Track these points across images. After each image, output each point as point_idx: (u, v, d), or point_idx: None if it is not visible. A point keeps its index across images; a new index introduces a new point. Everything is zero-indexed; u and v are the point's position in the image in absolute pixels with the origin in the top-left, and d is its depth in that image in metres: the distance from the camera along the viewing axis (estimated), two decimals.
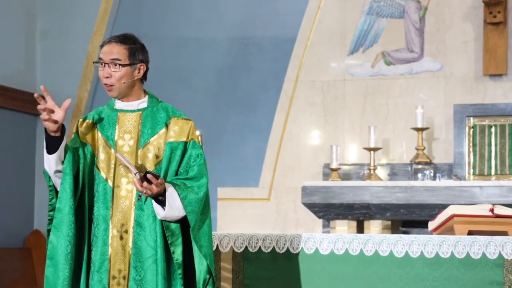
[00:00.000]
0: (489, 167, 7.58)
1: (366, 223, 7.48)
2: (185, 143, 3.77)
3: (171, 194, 3.61)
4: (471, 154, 7.66)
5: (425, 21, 8.10)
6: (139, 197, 3.68)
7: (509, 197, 7.08)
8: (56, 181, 3.70)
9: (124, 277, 3.66)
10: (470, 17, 7.95)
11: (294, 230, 7.93)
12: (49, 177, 3.71)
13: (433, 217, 4.66)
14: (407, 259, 4.26)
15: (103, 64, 3.74)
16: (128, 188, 3.70)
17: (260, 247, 4.48)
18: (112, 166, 3.72)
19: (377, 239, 4.30)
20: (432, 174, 7.63)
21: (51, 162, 3.67)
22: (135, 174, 3.55)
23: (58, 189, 3.69)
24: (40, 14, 9.09)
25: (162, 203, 3.62)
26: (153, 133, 3.76)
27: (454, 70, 7.97)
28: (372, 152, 7.72)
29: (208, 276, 3.67)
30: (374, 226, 7.46)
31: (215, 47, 8.79)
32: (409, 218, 7.39)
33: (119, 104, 3.82)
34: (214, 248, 4.55)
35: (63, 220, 3.64)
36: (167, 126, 3.80)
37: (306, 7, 8.35)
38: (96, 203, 3.71)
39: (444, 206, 4.69)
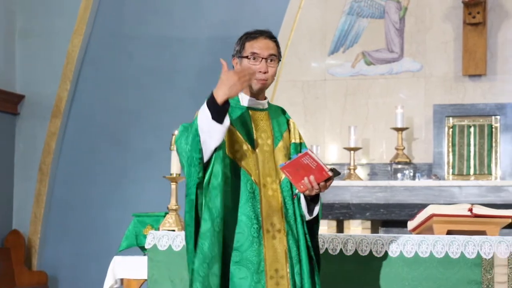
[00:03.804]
0: (468, 167, 7.62)
1: (346, 223, 7.50)
2: (300, 144, 3.78)
3: (321, 196, 3.65)
4: (450, 154, 7.69)
5: (405, 21, 8.13)
6: (294, 195, 3.64)
7: (487, 197, 7.12)
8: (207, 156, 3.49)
9: (282, 277, 3.58)
10: (450, 17, 7.99)
11: None
12: (200, 157, 3.48)
13: (412, 216, 4.68)
14: (386, 258, 4.27)
15: (259, 59, 3.66)
16: (273, 187, 3.64)
17: None
18: (255, 164, 3.63)
19: (357, 238, 4.32)
20: (411, 174, 7.66)
21: (220, 134, 3.48)
22: (327, 171, 3.50)
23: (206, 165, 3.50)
24: (19, 13, 9.04)
25: (309, 203, 3.62)
26: (281, 133, 3.74)
27: (434, 71, 8.01)
28: (352, 152, 7.74)
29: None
30: (354, 226, 7.48)
31: (197, 47, 8.77)
32: (388, 218, 7.41)
33: (250, 102, 3.73)
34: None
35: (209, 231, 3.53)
36: (288, 126, 3.79)
37: (286, 7, 8.36)
38: (243, 203, 3.59)
39: (423, 206, 4.71)
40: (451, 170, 7.66)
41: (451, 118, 7.73)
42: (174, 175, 4.89)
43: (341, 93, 8.16)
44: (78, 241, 8.78)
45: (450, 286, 4.17)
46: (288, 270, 3.59)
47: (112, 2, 8.98)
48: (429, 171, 7.74)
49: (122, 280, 5.27)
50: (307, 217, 3.65)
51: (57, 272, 8.88)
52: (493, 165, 7.57)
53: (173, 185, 4.90)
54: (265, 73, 3.67)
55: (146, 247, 4.65)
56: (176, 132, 4.83)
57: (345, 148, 7.84)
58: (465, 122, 7.70)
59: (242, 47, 3.75)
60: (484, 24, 7.78)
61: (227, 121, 3.50)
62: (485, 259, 4.18)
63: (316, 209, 3.64)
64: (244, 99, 3.73)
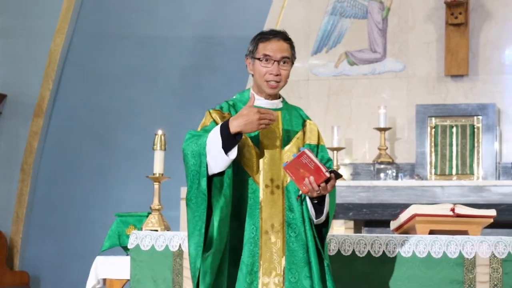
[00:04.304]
0: (450, 167, 7.65)
1: None
2: (317, 146, 3.72)
3: (327, 197, 3.56)
4: (433, 154, 7.72)
5: (387, 21, 8.15)
6: (298, 196, 3.58)
7: (469, 197, 7.15)
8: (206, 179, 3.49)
9: (278, 280, 3.54)
10: (432, 18, 8.02)
11: None
12: (204, 176, 3.47)
13: (395, 216, 4.69)
14: (369, 258, 4.28)
15: (271, 61, 3.60)
16: (277, 188, 3.59)
17: None
18: (259, 165, 3.58)
19: (340, 238, 4.32)
20: (394, 174, 7.68)
21: (224, 164, 3.45)
22: (325, 172, 3.44)
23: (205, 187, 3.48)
24: (1, 12, 8.99)
25: (314, 205, 3.56)
26: (293, 134, 3.68)
27: (417, 71, 8.03)
28: (335, 152, 7.75)
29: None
30: (337, 226, 7.49)
31: (180, 46, 8.76)
32: (371, 218, 7.43)
33: (260, 101, 3.66)
34: (177, 247, 4.54)
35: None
36: (303, 127, 3.72)
37: (270, 7, 8.36)
38: (242, 203, 3.56)
39: (406, 206, 4.72)
40: (433, 170, 7.68)
41: (433, 118, 7.76)
42: (157, 175, 4.88)
43: (324, 93, 8.17)
44: (61, 241, 8.75)
45: (432, 286, 4.19)
46: (283, 272, 3.53)
47: (94, 1, 8.95)
48: (412, 171, 7.76)
49: (104, 280, 5.26)
50: (315, 219, 3.58)
51: (39, 272, 8.85)
52: (475, 165, 7.60)
53: (156, 185, 4.89)
54: (277, 75, 3.62)
55: (128, 247, 4.64)
56: (160, 132, 4.81)
57: (328, 148, 7.84)
58: (448, 122, 7.73)
59: (255, 47, 3.67)
60: (466, 25, 7.81)
61: (233, 154, 3.45)
62: (467, 258, 4.20)
63: (324, 211, 3.56)
64: (258, 99, 3.68)
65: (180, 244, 4.52)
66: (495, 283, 4.16)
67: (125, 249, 5.29)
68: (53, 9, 8.87)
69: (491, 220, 4.59)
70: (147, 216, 5.01)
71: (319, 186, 3.45)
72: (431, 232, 4.45)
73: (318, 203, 3.56)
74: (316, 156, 3.64)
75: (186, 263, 4.51)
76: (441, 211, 4.50)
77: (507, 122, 7.80)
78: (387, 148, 7.83)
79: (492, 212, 4.57)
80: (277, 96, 3.73)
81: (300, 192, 3.56)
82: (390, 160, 7.80)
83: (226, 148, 3.44)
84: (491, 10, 7.94)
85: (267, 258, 3.54)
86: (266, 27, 8.40)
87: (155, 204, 4.87)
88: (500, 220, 5.22)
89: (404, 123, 7.98)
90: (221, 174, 3.49)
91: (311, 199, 3.55)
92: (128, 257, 4.74)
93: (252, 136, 3.60)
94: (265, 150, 3.61)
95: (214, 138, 3.46)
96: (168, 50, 8.78)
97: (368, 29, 8.15)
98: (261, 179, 3.58)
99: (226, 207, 3.49)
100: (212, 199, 3.49)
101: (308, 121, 3.76)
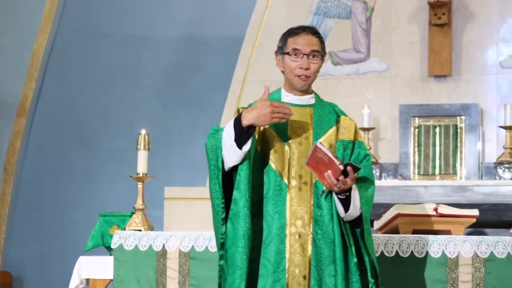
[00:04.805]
0: (434, 167, 7.68)
1: None
2: (353, 142, 3.67)
3: (355, 192, 3.51)
4: (416, 154, 7.75)
5: (371, 22, 8.17)
6: (322, 192, 3.55)
7: (452, 197, 7.18)
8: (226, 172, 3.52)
9: (304, 277, 3.51)
10: (416, 18, 8.05)
11: None
12: (221, 170, 3.50)
13: (378, 216, 4.70)
14: None
15: (300, 55, 3.59)
16: (305, 184, 3.57)
17: (207, 247, 4.48)
18: (287, 162, 3.57)
19: None
20: (378, 174, 7.70)
21: (237, 157, 3.47)
22: (338, 165, 3.40)
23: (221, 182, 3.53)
24: None
25: (341, 201, 3.51)
26: (325, 130, 3.64)
27: (400, 71, 8.06)
28: None
29: (373, 280, 3.61)
30: None
31: (164, 45, 8.75)
32: None
33: (289, 98, 3.66)
34: (160, 247, 4.54)
35: (238, 213, 3.49)
36: (337, 123, 3.68)
37: (254, 7, 8.36)
38: (269, 200, 3.54)
39: (389, 206, 4.74)
40: (416, 170, 7.71)
41: (417, 118, 7.78)
42: (141, 175, 4.87)
43: None
44: (44, 241, 8.72)
45: (415, 285, 4.20)
46: (309, 270, 3.51)
47: (78, 0, 8.92)
48: (395, 171, 7.79)
49: (87, 280, 5.24)
50: (342, 215, 3.54)
51: (22, 272, 8.81)
52: (458, 165, 7.63)
53: (140, 185, 4.88)
54: (306, 69, 3.61)
55: (112, 247, 4.63)
56: (144, 132, 4.81)
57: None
58: (431, 122, 7.75)
59: (285, 43, 3.65)
60: (449, 25, 7.84)
61: (247, 147, 3.46)
62: (450, 258, 4.21)
63: (351, 207, 3.50)
64: (284, 95, 3.68)
65: (163, 244, 4.52)
66: (478, 282, 4.18)
67: (109, 249, 5.27)
68: (36, 9, 8.83)
69: (474, 220, 4.61)
70: (131, 216, 5.00)
71: (338, 180, 3.43)
72: (414, 231, 4.46)
73: (346, 198, 3.52)
74: (352, 152, 3.63)
75: (169, 263, 4.51)
76: (424, 211, 4.51)
77: (489, 122, 7.84)
78: (370, 148, 7.85)
79: (475, 212, 4.59)
80: (308, 92, 3.71)
81: (324, 188, 3.54)
82: (374, 160, 7.82)
83: (240, 141, 3.44)
84: (474, 11, 7.97)
85: (294, 255, 3.52)
86: (250, 27, 8.42)
87: (139, 204, 4.86)
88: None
89: (388, 123, 8.00)
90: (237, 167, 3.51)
91: (338, 194, 3.51)
92: (112, 257, 4.73)
93: (282, 132, 3.60)
94: (294, 146, 3.59)
95: (228, 132, 3.49)
96: (152, 50, 8.76)
97: (352, 29, 8.17)
98: (290, 175, 3.57)
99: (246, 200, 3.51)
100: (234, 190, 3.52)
101: (342, 117, 3.72)
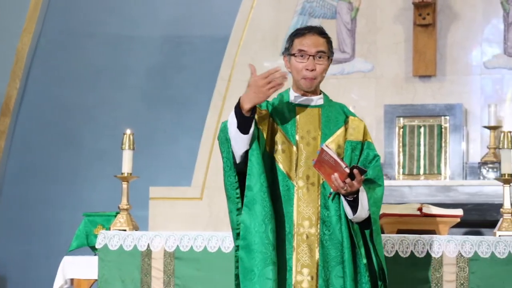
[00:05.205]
0: (418, 167, 7.70)
1: None
2: (362, 143, 3.65)
3: (363, 194, 3.50)
4: (401, 154, 7.77)
5: (356, 22, 8.18)
6: (329, 194, 3.53)
7: (437, 196, 7.20)
8: (238, 164, 3.52)
9: (311, 277, 3.51)
10: (401, 19, 8.07)
11: (226, 229, 7.92)
12: (233, 162, 3.51)
13: None
14: None
15: (306, 56, 3.59)
16: (312, 185, 3.56)
17: (191, 247, 4.48)
18: (294, 162, 3.56)
19: None
20: None
21: (244, 142, 3.47)
22: (344, 168, 3.39)
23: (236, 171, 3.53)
24: None
25: (349, 202, 3.50)
26: (333, 131, 3.63)
27: (385, 71, 8.08)
28: None
29: (381, 283, 3.60)
30: None
31: (148, 45, 8.73)
32: None
33: (297, 98, 3.67)
34: (145, 247, 4.53)
35: (255, 199, 3.47)
36: (345, 124, 3.66)
37: (239, 6, 8.36)
38: (276, 200, 3.53)
39: None
40: (401, 170, 7.73)
41: (401, 119, 7.81)
42: (126, 175, 4.86)
43: None
44: (28, 240, 8.68)
45: (399, 285, 4.21)
46: (317, 270, 3.51)
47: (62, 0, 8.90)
48: None
49: (72, 280, 5.23)
50: (350, 217, 3.53)
51: (6, 272, 8.77)
52: (442, 165, 7.66)
53: (124, 185, 4.87)
54: (312, 70, 3.61)
55: (96, 246, 4.62)
56: (128, 131, 4.80)
57: None
58: (415, 122, 7.78)
59: (291, 44, 3.66)
60: (434, 26, 7.87)
61: (252, 129, 3.46)
62: (434, 258, 4.23)
63: (359, 208, 3.49)
64: (292, 96, 3.68)
65: (148, 244, 4.51)
66: (462, 282, 4.20)
67: (93, 249, 5.26)
68: (21, 8, 8.79)
69: (458, 220, 4.63)
70: (115, 216, 4.99)
71: (344, 182, 3.43)
72: (399, 231, 4.47)
73: (353, 200, 3.51)
74: (361, 153, 3.62)
75: (154, 263, 4.50)
76: (409, 211, 4.53)
77: (474, 122, 7.87)
78: None
79: (459, 212, 4.60)
80: (317, 92, 3.71)
81: (331, 190, 3.54)
82: None
83: (244, 127, 3.45)
84: (458, 12, 8.00)
85: (301, 255, 3.52)
86: (236, 27, 8.42)
87: (124, 203, 4.85)
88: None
89: (373, 123, 8.02)
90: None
91: (346, 196, 3.51)
92: (96, 257, 4.72)
93: (289, 133, 3.60)
94: (302, 147, 3.59)
95: (231, 121, 3.51)
96: (137, 49, 8.75)
97: (337, 29, 8.18)
98: (297, 176, 3.57)
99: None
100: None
101: (351, 117, 3.71)
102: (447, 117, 7.72)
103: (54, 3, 8.87)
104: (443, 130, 7.70)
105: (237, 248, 3.57)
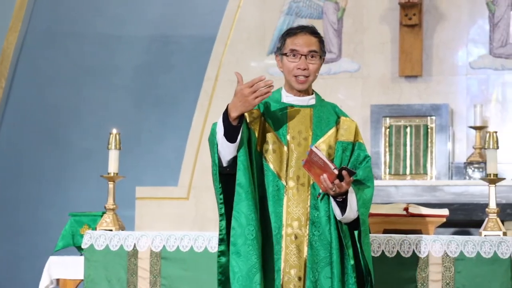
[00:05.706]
0: (404, 167, 7.72)
1: None
2: (353, 143, 3.66)
3: (351, 195, 3.50)
4: (387, 154, 7.79)
5: (343, 22, 8.19)
6: (318, 195, 3.53)
7: (423, 196, 7.23)
8: (226, 167, 3.51)
9: (299, 278, 3.50)
10: (387, 19, 8.09)
11: (213, 229, 7.93)
12: (218, 167, 3.50)
13: None
14: None
15: (298, 56, 3.58)
16: (302, 185, 3.55)
17: (178, 247, 4.47)
18: (285, 162, 3.55)
19: None
20: None
21: (230, 150, 3.45)
22: (333, 169, 3.39)
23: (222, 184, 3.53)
24: None
25: (338, 203, 3.50)
26: (324, 131, 3.62)
27: (371, 71, 8.10)
28: None
29: (367, 284, 3.60)
30: None
31: (135, 45, 8.72)
32: None
33: (289, 98, 3.66)
34: (131, 247, 4.52)
35: (241, 200, 3.47)
36: (336, 125, 3.66)
37: (225, 6, 8.35)
38: (265, 201, 3.53)
39: None
40: (387, 170, 7.75)
41: (388, 119, 7.82)
42: (112, 175, 4.85)
43: None
44: (13, 240, 8.65)
45: (385, 284, 4.22)
46: (305, 271, 3.51)
47: None
48: None
49: (58, 280, 5.21)
50: (339, 217, 3.53)
51: None
52: (428, 165, 7.68)
53: (111, 185, 4.86)
54: (304, 69, 3.60)
55: (82, 246, 4.61)
56: (115, 131, 4.79)
57: None
58: (402, 122, 7.80)
59: (283, 43, 3.66)
60: (420, 26, 7.89)
61: (238, 138, 3.44)
62: (420, 257, 4.24)
63: (348, 209, 3.49)
64: (284, 95, 3.67)
65: (135, 244, 4.50)
66: (448, 281, 4.21)
67: (79, 249, 5.25)
68: (6, 7, 8.76)
69: (444, 220, 4.64)
70: (102, 216, 4.98)
71: (333, 183, 3.43)
72: (385, 231, 4.48)
73: (342, 201, 3.51)
74: (352, 154, 3.62)
75: (140, 263, 4.49)
76: (395, 211, 4.54)
77: (459, 122, 7.90)
78: None
79: (445, 212, 4.62)
80: (309, 92, 3.70)
81: (320, 190, 3.54)
82: None
83: (231, 135, 3.43)
84: (444, 12, 8.03)
85: (290, 256, 3.52)
86: (222, 27, 8.41)
87: (110, 203, 4.84)
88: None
89: (359, 123, 7.97)
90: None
91: (335, 197, 3.51)
92: (82, 257, 4.71)
93: (281, 133, 3.59)
94: (293, 147, 3.59)
95: (219, 126, 3.49)
96: (123, 49, 8.73)
97: (323, 29, 8.19)
98: (287, 176, 3.56)
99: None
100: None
101: (343, 118, 3.72)
102: (433, 117, 7.74)
103: (40, 2, 8.84)
104: (429, 130, 7.72)
105: (220, 253, 3.57)
